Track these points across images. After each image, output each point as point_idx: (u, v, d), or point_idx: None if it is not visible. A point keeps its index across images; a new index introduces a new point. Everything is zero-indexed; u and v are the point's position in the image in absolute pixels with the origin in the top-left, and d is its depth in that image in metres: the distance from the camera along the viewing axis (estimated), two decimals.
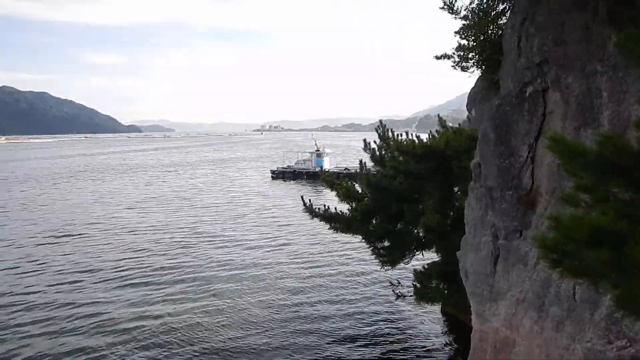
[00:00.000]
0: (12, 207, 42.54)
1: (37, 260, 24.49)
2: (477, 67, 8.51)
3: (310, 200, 15.42)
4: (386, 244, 14.84)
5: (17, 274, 22.38)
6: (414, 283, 14.06)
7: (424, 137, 15.11)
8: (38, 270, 22.73)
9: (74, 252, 26.17)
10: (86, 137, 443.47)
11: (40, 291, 19.70)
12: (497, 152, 7.34)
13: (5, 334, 15.45)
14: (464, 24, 8.09)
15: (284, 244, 27.33)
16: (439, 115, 16.86)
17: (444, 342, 14.47)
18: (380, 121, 15.79)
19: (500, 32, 7.80)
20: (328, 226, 14.84)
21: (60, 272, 22.47)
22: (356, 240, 17.18)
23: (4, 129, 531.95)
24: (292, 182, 60.36)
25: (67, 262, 24.17)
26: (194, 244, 27.32)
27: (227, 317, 16.60)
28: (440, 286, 13.52)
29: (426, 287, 13.45)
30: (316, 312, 16.92)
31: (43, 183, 62.09)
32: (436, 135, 14.89)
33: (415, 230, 14.65)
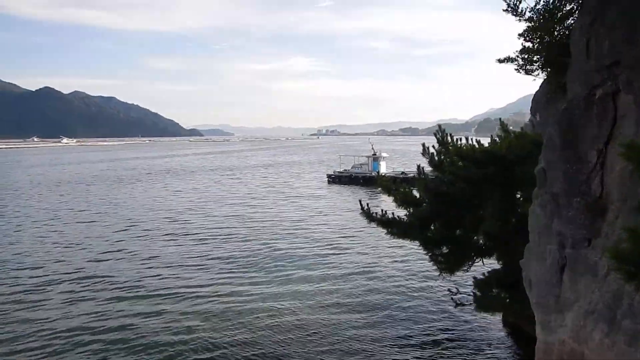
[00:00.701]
0: (81, 207, 44.85)
1: (101, 259, 25.78)
2: (542, 70, 8.26)
3: (367, 205, 15.38)
4: (444, 250, 14.56)
5: (87, 275, 23.57)
6: (474, 291, 13.73)
7: (485, 141, 14.77)
8: (107, 266, 23.92)
9: (137, 255, 27.26)
10: (150, 141, 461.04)
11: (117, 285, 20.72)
12: (563, 158, 7.09)
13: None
14: (528, 26, 7.87)
15: (340, 248, 27.35)
16: (500, 119, 16.41)
17: (506, 354, 14.03)
18: (439, 125, 15.56)
19: (568, 33, 7.53)
20: (385, 231, 14.75)
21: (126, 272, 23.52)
22: (414, 246, 17.00)
23: (75, 131, 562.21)
24: (348, 186, 60.42)
25: (133, 261, 25.29)
26: (251, 248, 27.64)
27: (283, 319, 16.81)
28: (502, 295, 13.13)
29: (487, 296, 13.10)
30: (371, 317, 16.84)
31: (109, 185, 65.15)
32: (497, 139, 14.51)
33: (475, 237, 14.32)
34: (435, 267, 14.85)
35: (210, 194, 53.76)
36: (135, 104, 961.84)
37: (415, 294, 19.24)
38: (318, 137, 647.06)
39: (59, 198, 51.92)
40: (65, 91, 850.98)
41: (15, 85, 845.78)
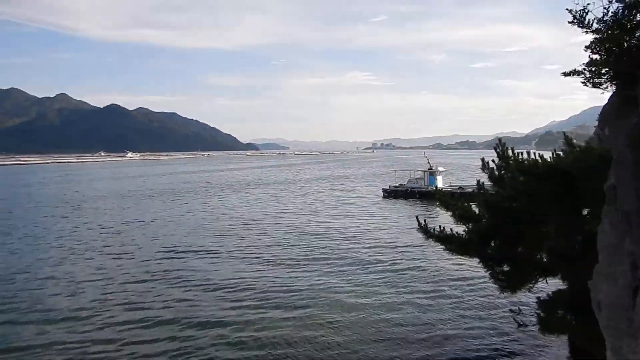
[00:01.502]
0: (140, 219, 46.61)
1: (155, 273, 26.62)
2: (611, 82, 7.92)
3: (425, 221, 15.16)
4: (505, 268, 14.09)
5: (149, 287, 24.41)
6: (538, 312, 13.17)
7: (547, 155, 14.26)
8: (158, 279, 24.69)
9: (195, 267, 27.98)
10: (209, 155, 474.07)
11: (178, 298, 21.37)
12: (636, 174, 6.75)
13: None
14: (595, 38, 7.58)
15: (397, 265, 27.01)
16: (564, 132, 15.80)
17: None
18: (499, 139, 15.15)
19: (638, 44, 7.21)
20: (443, 247, 14.46)
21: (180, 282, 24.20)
22: (473, 263, 16.58)
23: (139, 146, 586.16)
24: (404, 201, 59.77)
25: (190, 274, 26.00)
26: (306, 266, 27.64)
27: (339, 331, 16.77)
28: (568, 317, 12.53)
29: (552, 317, 12.53)
30: (430, 335, 16.53)
31: (168, 197, 67.44)
32: (561, 153, 13.97)
33: (538, 255, 13.78)
34: (495, 285, 14.39)
35: (265, 208, 54.52)
36: (195, 119, 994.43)
37: (475, 313, 18.72)
38: (373, 151, 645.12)
39: (120, 210, 54.19)
40: (130, 108, 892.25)
41: (85, 102, 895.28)
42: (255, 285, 23.17)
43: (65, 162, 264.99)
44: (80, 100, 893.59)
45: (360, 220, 43.89)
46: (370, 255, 29.38)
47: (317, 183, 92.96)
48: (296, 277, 24.33)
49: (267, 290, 22.15)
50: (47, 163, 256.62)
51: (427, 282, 23.31)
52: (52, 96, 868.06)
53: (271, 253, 30.29)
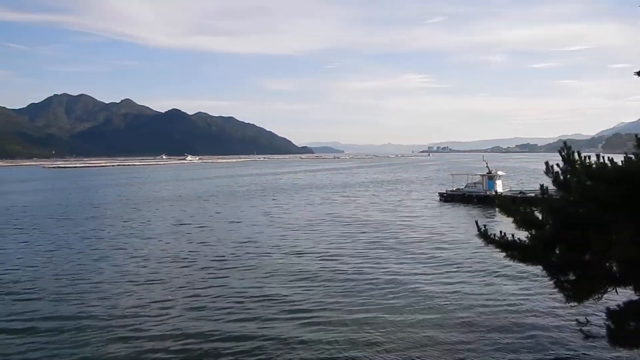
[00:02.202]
0: (199, 221, 47.90)
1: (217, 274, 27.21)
2: None
3: (484, 226, 14.73)
4: (571, 276, 13.47)
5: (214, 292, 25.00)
6: (608, 323, 12.51)
7: (617, 158, 13.52)
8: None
9: (251, 270, 28.42)
10: (265, 158, 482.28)
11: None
12: None
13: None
14: None
15: (456, 271, 26.29)
16: (636, 135, 14.93)
17: None
18: (564, 142, 14.50)
19: None
20: (504, 254, 13.99)
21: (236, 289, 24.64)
22: (536, 270, 15.98)
23: (198, 149, 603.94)
24: (461, 205, 58.41)
25: (249, 277, 26.46)
26: (363, 270, 27.28)
27: (399, 336, 16.58)
28: None
29: (623, 329, 11.86)
30: (493, 342, 16.04)
31: (224, 200, 69.03)
32: (633, 156, 13.20)
33: (607, 264, 13.08)
34: (560, 295, 13.79)
35: (320, 211, 54.65)
36: (251, 123, 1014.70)
37: (539, 323, 18.01)
38: (429, 154, 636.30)
39: (178, 212, 55.90)
40: (190, 112, 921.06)
41: (148, 108, 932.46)
42: (311, 289, 23.27)
43: (129, 165, 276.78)
44: (143, 105, 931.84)
45: (416, 225, 43.21)
46: (427, 261, 28.85)
47: (372, 187, 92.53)
48: (351, 285, 24.13)
49: (324, 295, 22.21)
50: (113, 166, 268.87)
51: (485, 286, 22.68)
52: (117, 102, 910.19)
53: (326, 258, 30.26)
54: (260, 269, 27.27)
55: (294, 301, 21.24)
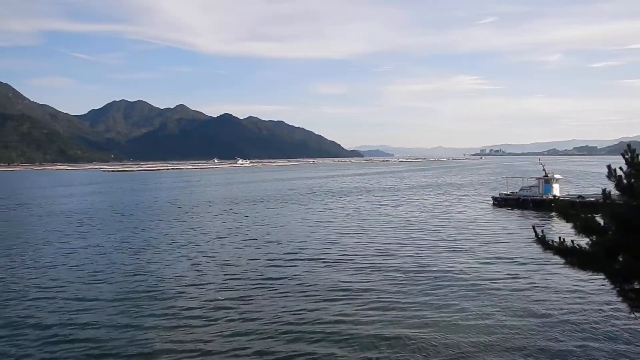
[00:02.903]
0: (248, 224, 48.64)
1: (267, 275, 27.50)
2: None
3: (542, 231, 14.24)
4: (636, 285, 12.82)
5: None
6: None
7: None
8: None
9: (298, 274, 28.55)
10: (314, 161, 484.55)
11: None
12: None
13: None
14: None
15: (513, 279, 25.33)
16: None
17: None
18: (628, 145, 13.83)
19: None
20: (563, 261, 13.46)
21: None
22: (598, 278, 15.28)
23: (249, 153, 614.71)
24: (516, 210, 56.60)
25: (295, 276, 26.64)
26: (413, 275, 26.93)
27: (453, 343, 16.30)
28: None
29: None
30: (545, 348, 15.49)
31: (274, 203, 69.80)
32: None
33: None
34: (625, 304, 13.15)
35: (368, 216, 54.33)
36: (301, 127, 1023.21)
37: (603, 334, 17.21)
38: (481, 157, 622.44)
39: (229, 215, 56.97)
40: (241, 117, 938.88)
41: (201, 113, 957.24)
42: (360, 296, 23.17)
43: (183, 169, 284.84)
44: (196, 111, 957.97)
45: (469, 230, 41.97)
46: (482, 268, 28.11)
47: (422, 190, 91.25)
48: (401, 291, 23.83)
49: (373, 301, 22.08)
50: (168, 169, 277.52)
51: (544, 299, 21.82)
52: (172, 107, 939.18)
53: (376, 263, 29.98)
54: (315, 273, 27.39)
55: (367, 300, 21.30)
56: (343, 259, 30.92)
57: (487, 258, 30.38)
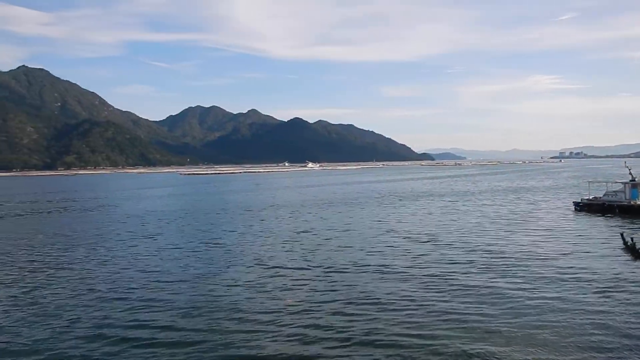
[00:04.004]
0: (316, 227, 48.45)
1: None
2: None
3: (632, 239, 12.86)
4: None
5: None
6: None
7: None
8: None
9: (364, 281, 27.88)
10: (383, 164, 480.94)
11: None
12: None
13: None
14: None
15: (600, 291, 23.30)
16: None
17: None
18: None
19: None
20: None
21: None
22: None
23: (318, 156, 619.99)
24: (599, 216, 52.78)
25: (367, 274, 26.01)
26: (489, 288, 25.55)
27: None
28: None
29: None
30: None
31: (342, 207, 69.34)
32: None
33: None
34: None
35: (438, 221, 52.54)
36: (370, 130, 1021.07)
37: None
38: (560, 160, 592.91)
39: (297, 217, 57.13)
40: (311, 121, 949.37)
41: (272, 117, 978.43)
42: (433, 306, 22.25)
43: (254, 172, 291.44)
44: (267, 115, 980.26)
45: (549, 238, 39.25)
46: (563, 277, 26.09)
47: (496, 195, 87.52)
48: (479, 304, 22.57)
49: (449, 312, 21.09)
50: (240, 173, 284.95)
51: (632, 305, 19.92)
52: (244, 112, 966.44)
53: (446, 272, 28.75)
54: (383, 282, 26.70)
55: (436, 310, 20.47)
56: (412, 266, 29.84)
57: (572, 268, 28.08)
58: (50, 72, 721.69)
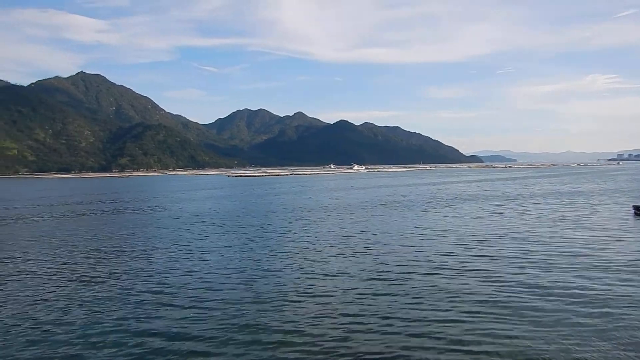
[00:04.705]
0: (361, 230, 47.81)
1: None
2: None
3: None
4: None
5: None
6: None
7: None
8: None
9: (413, 286, 27.17)
10: (430, 167, 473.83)
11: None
12: None
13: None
14: None
15: None
16: None
17: None
18: None
19: None
20: None
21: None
22: None
23: (364, 159, 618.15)
24: None
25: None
26: (550, 294, 24.50)
27: None
28: None
29: None
30: None
31: (388, 209, 68.32)
32: None
33: None
34: None
35: (490, 225, 50.78)
36: (417, 132, 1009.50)
37: None
38: (618, 163, 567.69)
39: (342, 220, 56.65)
40: (357, 123, 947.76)
41: (318, 120, 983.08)
42: (487, 318, 21.33)
43: (300, 174, 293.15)
44: (313, 118, 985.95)
45: (607, 243, 37.29)
46: (623, 289, 24.68)
47: (550, 199, 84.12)
48: (532, 322, 21.56)
49: (510, 318, 20.19)
50: (287, 175, 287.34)
51: None
52: (290, 115, 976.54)
53: (504, 280, 27.67)
54: (436, 289, 25.95)
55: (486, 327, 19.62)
56: (462, 273, 28.91)
57: (632, 280, 26.38)
58: (107, 77, 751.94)
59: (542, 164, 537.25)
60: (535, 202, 78.02)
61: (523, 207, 68.77)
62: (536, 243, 38.31)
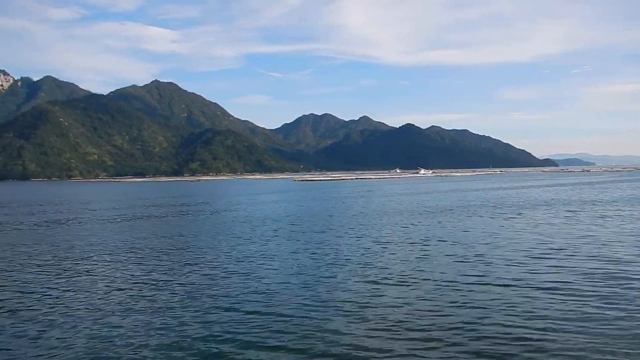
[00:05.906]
0: (425, 236, 46.38)
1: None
2: None
3: None
4: None
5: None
6: None
7: None
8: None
9: (482, 299, 25.90)
10: (501, 171, 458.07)
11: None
12: None
13: None
14: None
15: None
16: None
17: None
18: None
19: None
20: None
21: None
22: None
23: (431, 163, 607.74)
24: None
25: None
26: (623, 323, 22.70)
27: None
28: None
29: None
30: None
31: (454, 215, 66.14)
32: None
33: None
34: None
35: (564, 233, 47.84)
36: (486, 135, 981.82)
37: None
38: None
39: (404, 225, 55.33)
40: (423, 126, 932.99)
41: (383, 123, 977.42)
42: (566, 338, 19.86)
43: (365, 179, 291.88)
44: (379, 122, 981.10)
45: None
46: None
47: (627, 205, 78.31)
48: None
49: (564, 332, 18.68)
50: (352, 179, 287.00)
51: None
52: (356, 119, 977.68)
53: (581, 294, 25.87)
54: (498, 303, 24.59)
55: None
56: (535, 286, 27.22)
57: None
58: (179, 85, 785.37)
59: (623, 168, 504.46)
60: (609, 208, 72.80)
61: (594, 214, 64.29)
62: (607, 253, 35.53)
